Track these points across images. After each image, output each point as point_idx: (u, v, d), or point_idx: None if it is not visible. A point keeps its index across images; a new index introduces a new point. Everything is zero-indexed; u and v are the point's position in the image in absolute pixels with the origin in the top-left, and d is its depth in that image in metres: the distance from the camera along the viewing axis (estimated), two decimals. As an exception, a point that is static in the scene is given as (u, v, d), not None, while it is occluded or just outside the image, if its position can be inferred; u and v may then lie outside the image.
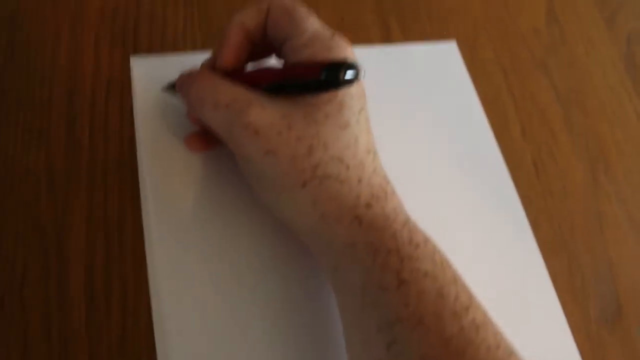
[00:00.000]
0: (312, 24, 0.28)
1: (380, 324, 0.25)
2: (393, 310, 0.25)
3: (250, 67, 0.31)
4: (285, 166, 0.26)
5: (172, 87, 0.32)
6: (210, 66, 0.31)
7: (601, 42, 0.48)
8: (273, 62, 0.32)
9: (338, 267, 0.27)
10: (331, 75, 0.25)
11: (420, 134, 0.39)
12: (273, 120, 0.26)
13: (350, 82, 0.25)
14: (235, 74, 0.29)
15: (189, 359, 0.28)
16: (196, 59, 0.35)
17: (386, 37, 0.42)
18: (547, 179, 0.40)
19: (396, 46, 0.42)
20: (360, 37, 0.41)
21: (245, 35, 0.29)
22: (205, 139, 0.32)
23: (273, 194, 0.28)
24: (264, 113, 0.26)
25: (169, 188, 0.32)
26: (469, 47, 0.44)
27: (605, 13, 0.49)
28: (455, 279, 0.26)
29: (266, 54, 0.31)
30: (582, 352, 0.34)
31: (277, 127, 0.26)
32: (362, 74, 0.26)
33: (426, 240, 0.27)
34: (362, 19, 0.42)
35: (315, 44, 0.27)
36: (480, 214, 0.37)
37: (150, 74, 0.35)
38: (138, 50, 0.36)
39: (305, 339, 0.30)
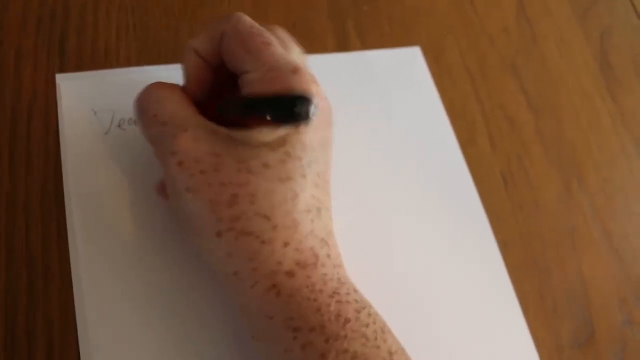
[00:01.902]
0: (272, 54, 0.24)
1: None
2: None
3: None
4: (202, 210, 0.23)
5: None
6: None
7: (574, 39, 0.46)
8: None
9: (256, 336, 0.24)
10: (277, 108, 0.21)
11: (381, 147, 0.36)
12: (200, 156, 0.23)
13: (297, 119, 0.21)
14: (200, 103, 0.26)
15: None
16: (131, 75, 0.32)
17: (343, 44, 0.39)
18: (516, 193, 0.38)
19: (354, 53, 0.38)
20: (315, 45, 0.38)
21: (200, 63, 0.26)
22: None
23: (189, 232, 0.25)
24: (194, 145, 0.23)
25: (100, 220, 0.29)
26: (434, 51, 0.41)
27: (578, 10, 0.47)
28: (391, 354, 0.23)
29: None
30: (553, 380, 0.32)
31: (203, 164, 0.23)
32: (312, 111, 0.21)
33: (359, 310, 0.24)
34: (316, 25, 0.39)
35: (272, 79, 0.23)
36: (442, 233, 0.35)
37: (79, 94, 0.32)
38: (65, 65, 0.33)
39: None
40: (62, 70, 0.33)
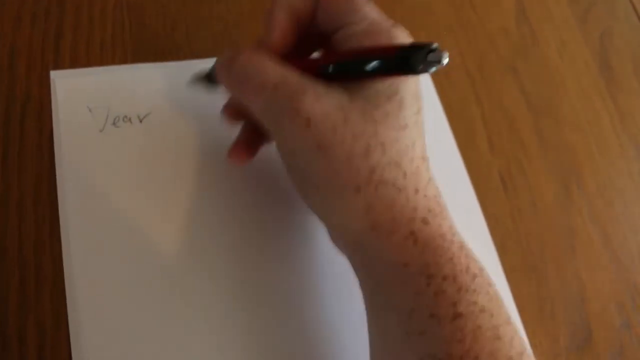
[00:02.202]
0: (371, 11, 0.25)
1: (424, 355, 0.22)
2: (444, 345, 0.22)
3: None
4: (339, 165, 0.23)
5: (206, 78, 0.29)
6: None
7: (574, 40, 0.45)
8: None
9: (382, 285, 0.24)
10: (413, 58, 0.21)
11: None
12: (328, 111, 0.23)
13: (430, 67, 0.21)
14: (285, 59, 0.25)
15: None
16: (127, 73, 0.32)
17: (341, 43, 0.38)
18: (515, 196, 0.38)
19: (353, 53, 0.38)
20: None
21: (293, 18, 0.26)
22: (249, 146, 0.29)
23: (319, 196, 0.25)
24: (319, 101, 0.23)
25: (94, 219, 0.29)
26: (433, 51, 0.40)
27: (577, 11, 0.46)
28: (509, 319, 0.24)
29: (313, 45, 0.28)
30: (550, 386, 0.32)
31: (332, 119, 0.23)
32: (444, 58, 0.21)
33: (481, 269, 0.24)
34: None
35: (376, 33, 0.24)
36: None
37: (74, 91, 0.31)
38: (60, 63, 0.32)
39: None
40: (57, 67, 0.32)
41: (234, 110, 0.29)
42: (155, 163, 0.30)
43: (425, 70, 0.21)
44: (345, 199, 0.23)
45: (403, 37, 0.24)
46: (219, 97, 0.30)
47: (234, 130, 0.30)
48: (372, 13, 0.25)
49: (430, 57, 0.21)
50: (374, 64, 0.22)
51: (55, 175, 0.29)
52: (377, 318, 0.25)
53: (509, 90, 0.41)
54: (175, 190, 0.30)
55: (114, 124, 0.31)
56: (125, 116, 0.31)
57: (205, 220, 0.30)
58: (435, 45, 0.21)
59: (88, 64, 0.33)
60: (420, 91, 0.25)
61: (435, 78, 0.39)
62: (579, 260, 0.37)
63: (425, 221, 0.24)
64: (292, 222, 0.31)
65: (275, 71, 0.24)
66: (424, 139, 0.25)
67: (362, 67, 0.23)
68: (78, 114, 0.31)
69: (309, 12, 0.26)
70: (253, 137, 0.29)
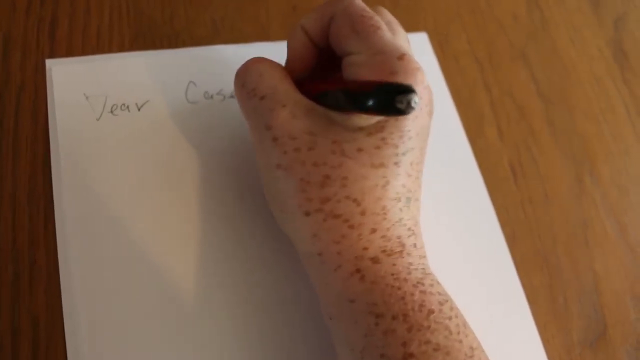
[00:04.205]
0: (380, 38, 0.23)
1: None
2: None
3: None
4: (292, 188, 0.23)
5: None
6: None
7: (586, 27, 0.44)
8: None
9: (335, 317, 0.23)
10: (380, 98, 0.20)
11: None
12: (296, 133, 0.23)
13: (399, 111, 0.20)
14: (301, 82, 0.26)
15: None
16: (124, 61, 0.31)
17: (345, 29, 0.37)
18: (526, 185, 0.36)
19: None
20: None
21: (307, 42, 0.26)
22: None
23: (277, 208, 0.25)
24: (291, 122, 0.23)
25: (90, 210, 0.28)
26: (441, 37, 0.39)
27: (590, -5, 0.45)
28: (472, 352, 0.22)
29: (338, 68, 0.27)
30: (563, 381, 0.31)
31: (297, 142, 0.23)
32: (413, 103, 0.19)
33: (442, 303, 0.23)
34: (318, 9, 0.37)
35: (378, 64, 0.23)
36: (447, 225, 0.33)
37: (70, 79, 0.30)
38: (56, 51, 0.31)
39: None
40: (53, 56, 0.31)
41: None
42: (154, 151, 0.29)
43: (402, 112, 0.19)
44: (296, 221, 0.24)
45: (405, 71, 0.22)
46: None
47: (232, 121, 0.29)
48: (380, 41, 0.23)
49: (399, 99, 0.19)
50: (349, 98, 0.21)
51: (50, 167, 0.29)
52: (336, 344, 0.24)
53: (519, 76, 0.40)
54: (173, 179, 0.29)
55: (111, 112, 0.30)
56: (123, 104, 0.30)
57: (204, 210, 0.29)
58: (407, 86, 0.19)
59: (85, 52, 0.32)
60: (411, 131, 0.23)
61: (443, 64, 0.38)
62: (593, 251, 0.35)
63: (375, 260, 0.23)
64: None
65: (268, 82, 0.24)
66: (407, 179, 0.24)
67: (340, 100, 0.22)
68: (74, 103, 0.30)
69: (323, 36, 0.26)
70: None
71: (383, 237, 0.23)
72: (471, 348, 0.22)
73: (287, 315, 0.28)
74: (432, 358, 0.21)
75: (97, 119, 0.30)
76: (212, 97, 0.32)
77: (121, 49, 0.32)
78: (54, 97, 0.30)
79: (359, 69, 0.23)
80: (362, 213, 0.23)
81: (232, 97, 0.32)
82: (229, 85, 0.32)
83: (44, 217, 0.28)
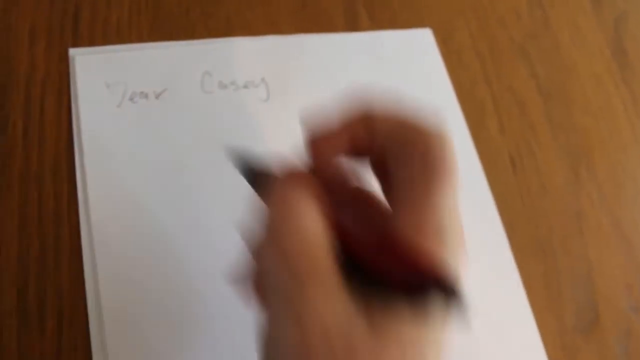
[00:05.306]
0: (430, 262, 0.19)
1: None
2: None
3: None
4: None
5: (246, 174, 0.22)
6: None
7: (587, 26, 0.45)
8: None
9: None
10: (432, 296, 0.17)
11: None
12: (329, 327, 0.17)
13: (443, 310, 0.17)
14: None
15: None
16: (143, 51, 0.32)
17: (353, 24, 0.39)
18: (524, 177, 0.38)
19: (365, 34, 0.38)
20: (324, 25, 0.38)
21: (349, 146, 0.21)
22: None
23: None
24: (332, 310, 0.17)
25: (111, 191, 0.30)
26: (444, 33, 0.41)
27: (592, -5, 0.46)
28: None
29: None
30: (555, 363, 0.32)
31: (333, 339, 0.17)
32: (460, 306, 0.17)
33: None
34: (326, 5, 0.39)
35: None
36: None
37: (93, 68, 0.32)
38: (78, 42, 0.33)
39: None
40: (75, 46, 0.33)
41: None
42: (171, 137, 0.31)
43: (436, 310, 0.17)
44: None
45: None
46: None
47: (245, 109, 0.31)
48: (429, 262, 0.19)
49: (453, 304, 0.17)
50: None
51: (73, 149, 0.30)
52: None
53: (520, 72, 0.41)
54: (189, 164, 0.31)
55: (131, 99, 0.31)
56: (142, 92, 0.32)
57: (217, 196, 0.31)
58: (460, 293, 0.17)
59: (105, 42, 0.34)
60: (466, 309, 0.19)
61: (446, 58, 0.39)
62: (587, 241, 0.37)
63: None
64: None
65: (306, 248, 0.18)
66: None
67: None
68: (96, 90, 0.31)
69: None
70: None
71: None
72: None
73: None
74: None
75: (118, 106, 0.31)
76: (226, 86, 0.33)
77: (140, 39, 0.34)
78: (77, 84, 0.32)
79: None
80: None
81: (245, 87, 0.34)
82: (242, 76, 0.33)
83: (67, 197, 0.30)
